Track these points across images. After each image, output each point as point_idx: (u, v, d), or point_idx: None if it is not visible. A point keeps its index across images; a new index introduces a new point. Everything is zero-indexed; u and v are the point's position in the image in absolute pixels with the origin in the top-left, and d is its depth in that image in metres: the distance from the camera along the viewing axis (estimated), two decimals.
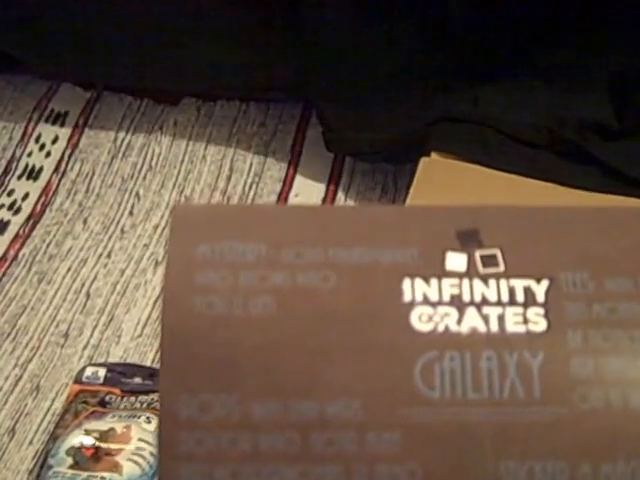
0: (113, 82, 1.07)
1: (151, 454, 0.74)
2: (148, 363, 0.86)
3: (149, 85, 1.06)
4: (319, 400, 0.25)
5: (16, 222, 0.98)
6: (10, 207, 1.00)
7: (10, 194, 1.01)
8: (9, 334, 0.89)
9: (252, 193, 0.98)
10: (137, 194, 0.99)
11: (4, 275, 0.93)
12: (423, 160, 0.82)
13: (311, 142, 1.02)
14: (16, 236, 0.97)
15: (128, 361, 0.86)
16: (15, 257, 0.95)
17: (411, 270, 0.27)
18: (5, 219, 0.99)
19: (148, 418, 0.76)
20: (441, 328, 0.26)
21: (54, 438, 0.77)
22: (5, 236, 0.97)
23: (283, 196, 0.98)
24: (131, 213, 0.98)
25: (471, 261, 0.27)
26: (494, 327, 0.26)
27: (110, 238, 0.96)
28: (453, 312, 0.26)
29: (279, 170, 1.00)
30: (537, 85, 0.86)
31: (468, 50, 0.86)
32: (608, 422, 0.25)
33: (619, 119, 0.83)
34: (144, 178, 1.01)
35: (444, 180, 0.80)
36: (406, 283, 0.26)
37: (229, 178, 1.00)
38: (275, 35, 0.93)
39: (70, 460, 0.74)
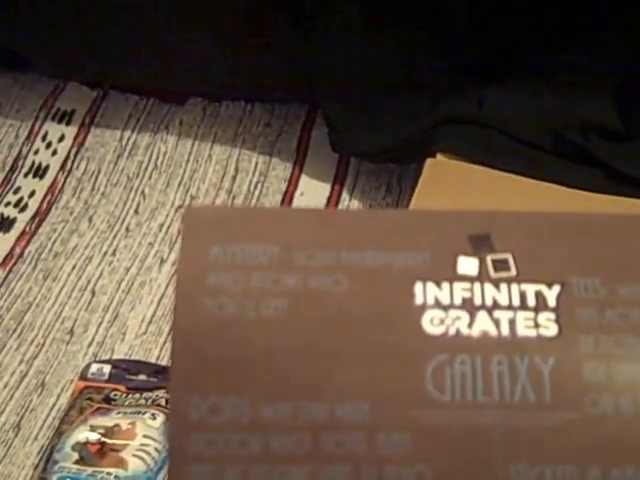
0: (119, 81, 1.08)
1: (156, 450, 0.74)
2: (153, 360, 0.86)
3: (155, 85, 1.06)
4: (329, 402, 0.26)
5: (22, 219, 0.99)
6: (16, 204, 1.00)
7: (16, 192, 1.01)
8: (15, 330, 0.89)
9: (257, 192, 0.99)
10: (142, 193, 0.99)
11: (10, 272, 0.94)
12: (428, 161, 0.82)
13: (316, 142, 1.02)
14: (22, 233, 0.97)
15: (133, 358, 0.86)
16: (21, 254, 0.95)
17: (423, 274, 0.27)
18: (11, 216, 0.99)
19: (153, 415, 0.76)
20: (452, 331, 0.26)
21: (59, 434, 0.77)
22: (11, 233, 0.97)
23: (288, 196, 0.98)
24: (136, 212, 0.98)
25: (483, 265, 0.27)
26: (505, 331, 0.26)
27: (115, 236, 0.96)
28: (464, 316, 0.26)
29: (284, 170, 1.01)
30: (541, 87, 0.86)
31: (473, 52, 0.87)
32: (618, 428, 0.25)
33: (623, 121, 0.83)
34: (150, 177, 1.01)
35: (449, 181, 0.80)
36: (418, 287, 0.27)
37: (234, 178, 1.00)
38: (281, 35, 0.93)
39: (76, 455, 0.74)
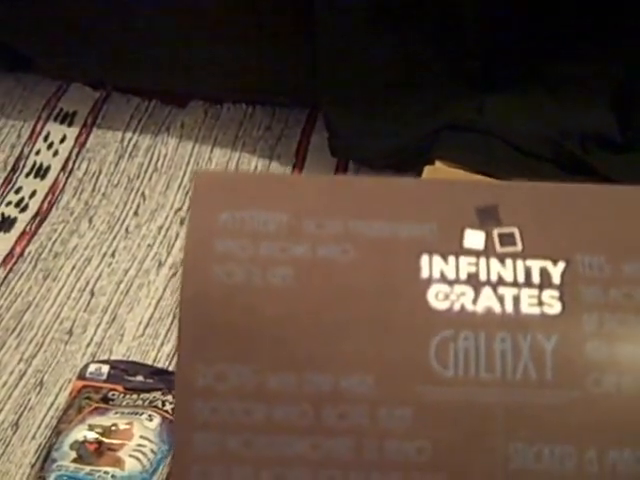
0: (122, 82, 1.08)
1: (151, 451, 0.74)
2: (150, 362, 0.86)
3: (157, 87, 1.06)
4: (334, 373, 0.26)
5: (23, 219, 0.99)
6: (17, 204, 1.00)
7: (18, 192, 1.01)
8: (14, 330, 0.90)
9: None
10: (143, 194, 1.00)
11: (10, 271, 0.94)
12: (427, 168, 0.83)
13: (315, 147, 1.02)
14: (23, 233, 0.97)
15: (130, 359, 0.87)
16: (21, 254, 0.95)
17: (429, 246, 0.27)
18: (12, 216, 0.99)
19: (150, 416, 0.76)
20: (457, 307, 0.26)
21: (57, 432, 0.77)
22: (12, 233, 0.97)
23: None
24: (136, 213, 0.98)
25: (489, 239, 0.27)
26: (509, 308, 0.26)
27: (115, 237, 0.96)
28: (469, 291, 0.26)
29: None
30: (542, 96, 0.86)
31: (474, 60, 0.87)
32: (618, 408, 0.25)
33: (622, 132, 0.83)
34: (150, 179, 1.01)
35: None
36: (424, 259, 0.27)
37: None
38: (285, 39, 0.93)
39: (74, 454, 0.74)
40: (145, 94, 1.08)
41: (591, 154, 0.83)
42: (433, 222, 0.27)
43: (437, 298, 0.26)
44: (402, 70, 0.89)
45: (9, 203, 1.00)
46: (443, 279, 0.27)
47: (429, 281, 0.26)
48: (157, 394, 0.80)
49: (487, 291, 0.26)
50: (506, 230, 0.27)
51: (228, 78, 1.00)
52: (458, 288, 0.26)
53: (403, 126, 0.90)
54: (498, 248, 0.27)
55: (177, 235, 0.96)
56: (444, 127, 0.87)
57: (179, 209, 0.98)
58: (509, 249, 0.27)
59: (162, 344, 0.88)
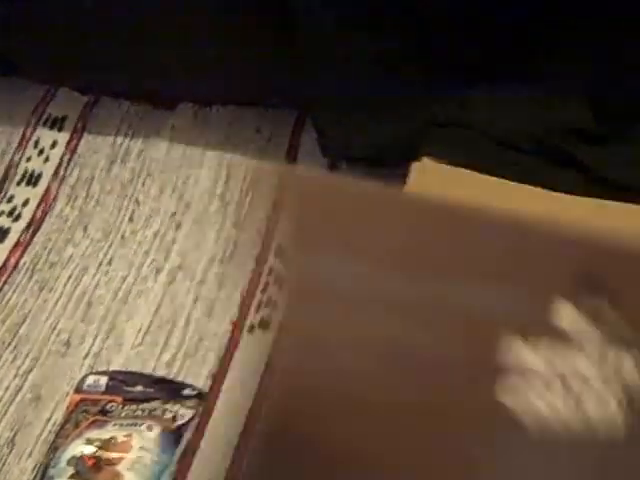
0: (109, 87, 1.07)
1: (152, 461, 0.74)
2: (149, 371, 0.86)
3: (145, 90, 1.05)
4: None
5: (16, 229, 0.98)
6: (10, 214, 0.99)
7: (10, 200, 1.00)
8: (10, 343, 0.89)
9: (249, 199, 0.98)
10: (137, 200, 0.99)
11: (5, 284, 0.93)
12: (415, 165, 0.82)
13: (306, 148, 1.01)
14: (16, 244, 0.96)
15: (129, 369, 0.86)
16: (15, 265, 0.95)
17: (512, 325, 0.24)
18: (5, 226, 0.98)
19: (149, 426, 0.76)
20: (523, 401, 0.23)
21: (54, 448, 0.77)
22: (5, 244, 0.96)
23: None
24: (131, 219, 0.97)
25: (578, 317, 0.24)
26: (576, 408, 0.23)
27: (111, 245, 0.95)
28: (540, 384, 0.23)
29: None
30: (522, 90, 0.86)
31: (455, 55, 0.86)
32: None
33: (600, 124, 0.83)
34: (143, 184, 1.00)
35: (436, 184, 0.80)
36: (504, 341, 0.24)
37: (226, 183, 0.99)
38: (271, 40, 0.92)
39: (71, 470, 0.74)
40: (134, 97, 1.07)
41: (573, 146, 0.83)
42: (521, 291, 0.24)
43: (507, 391, 0.24)
44: (385, 67, 0.88)
45: (1, 213, 0.99)
46: (518, 368, 0.24)
47: (503, 369, 0.24)
48: (157, 403, 0.79)
49: (557, 385, 0.24)
50: (597, 303, 0.24)
51: (216, 80, 0.99)
52: (531, 378, 0.24)
53: (387, 123, 0.90)
54: (583, 327, 0.24)
55: (173, 240, 0.95)
56: (428, 123, 0.87)
57: (174, 214, 0.97)
58: (596, 331, 0.23)
59: (161, 352, 0.87)
